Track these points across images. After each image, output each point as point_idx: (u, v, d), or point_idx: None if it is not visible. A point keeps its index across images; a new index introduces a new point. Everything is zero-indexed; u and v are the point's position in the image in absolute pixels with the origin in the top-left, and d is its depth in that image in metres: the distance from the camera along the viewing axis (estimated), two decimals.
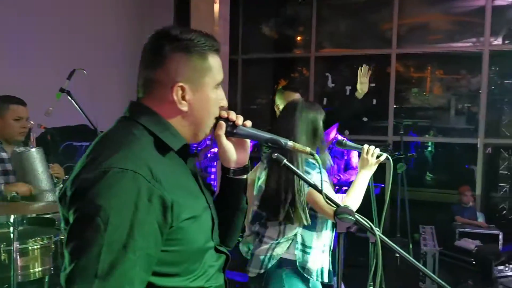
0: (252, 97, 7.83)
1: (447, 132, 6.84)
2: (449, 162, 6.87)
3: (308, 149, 1.47)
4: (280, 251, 2.18)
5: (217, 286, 1.21)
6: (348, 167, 4.42)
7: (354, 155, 4.39)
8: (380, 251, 1.49)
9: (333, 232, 2.32)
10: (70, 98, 2.98)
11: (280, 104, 3.27)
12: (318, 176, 2.09)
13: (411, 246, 4.04)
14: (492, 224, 5.75)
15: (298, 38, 7.63)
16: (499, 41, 6.43)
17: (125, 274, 0.96)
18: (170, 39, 1.13)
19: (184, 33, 1.14)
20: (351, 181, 4.24)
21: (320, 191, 1.42)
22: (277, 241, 2.20)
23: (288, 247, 2.18)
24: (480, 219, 5.81)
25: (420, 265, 1.49)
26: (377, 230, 1.72)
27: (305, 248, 2.18)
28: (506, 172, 6.73)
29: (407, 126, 6.65)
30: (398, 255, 1.51)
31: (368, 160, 2.33)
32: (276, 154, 1.44)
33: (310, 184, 1.48)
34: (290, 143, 1.41)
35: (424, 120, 6.98)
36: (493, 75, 6.53)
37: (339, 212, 1.45)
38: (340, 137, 3.04)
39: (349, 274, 4.62)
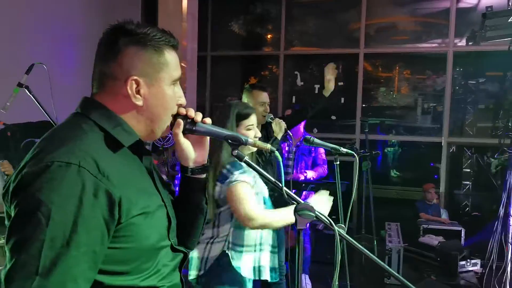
0: (221, 95, 7.79)
1: (414, 131, 6.98)
2: (415, 160, 7.01)
3: (268, 146, 1.47)
4: (217, 251, 2.17)
5: (171, 285, 1.19)
6: (315, 163, 4.46)
7: (322, 151, 4.44)
8: (340, 247, 1.50)
9: (273, 230, 2.30)
10: (29, 94, 2.88)
11: (247, 102, 3.23)
12: (241, 177, 2.13)
13: (375, 243, 4.12)
14: (455, 220, 5.91)
15: (268, 36, 7.64)
16: (463, 42, 6.59)
17: (68, 271, 0.93)
18: (124, 33, 1.11)
19: (139, 27, 1.12)
20: (318, 177, 4.30)
21: (281, 188, 1.42)
22: (212, 241, 2.20)
23: (223, 247, 2.18)
24: (444, 215, 5.96)
25: (378, 259, 1.50)
26: (341, 227, 1.74)
27: (235, 247, 2.18)
28: (469, 170, 6.94)
29: (375, 125, 6.75)
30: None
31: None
32: (236, 151, 1.44)
33: (270, 182, 1.47)
34: (250, 139, 1.42)
35: (391, 119, 7.10)
36: (457, 75, 6.69)
37: (299, 208, 1.45)
38: (308, 135, 3.06)
39: (316, 270, 4.69)
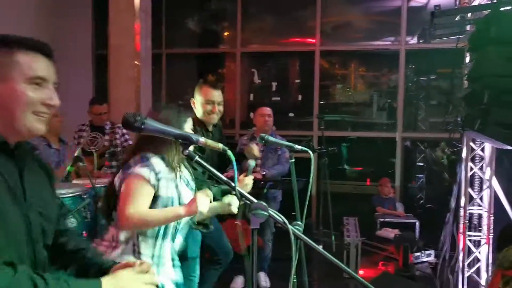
0: (178, 93, 7.70)
1: (370, 127, 7.12)
2: (371, 155, 7.14)
3: (220, 146, 1.47)
4: (115, 255, 1.94)
5: None
6: (279, 160, 4.47)
7: (286, 150, 4.44)
8: (296, 245, 1.50)
9: (173, 242, 2.09)
10: None
11: (195, 99, 3.05)
12: (139, 170, 1.91)
13: (333, 238, 4.18)
14: (410, 213, 6.07)
15: (224, 33, 7.60)
16: (415, 40, 6.76)
17: None
18: None
19: None
20: (277, 175, 4.31)
21: (234, 188, 1.40)
22: (114, 245, 1.99)
23: (122, 253, 1.95)
24: (399, 209, 6.11)
25: (330, 256, 1.51)
26: (297, 224, 1.74)
27: (140, 256, 1.95)
28: (422, 164, 7.14)
29: (332, 122, 6.83)
30: (321, 247, 1.54)
31: (195, 207, 1.95)
32: (187, 151, 1.42)
33: (222, 181, 1.45)
34: (202, 139, 1.42)
35: (348, 115, 7.20)
36: (409, 72, 6.86)
37: (253, 207, 1.43)
38: (262, 134, 3.05)
39: (276, 267, 4.71)
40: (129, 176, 1.93)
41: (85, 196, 3.16)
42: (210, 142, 1.44)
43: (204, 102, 2.99)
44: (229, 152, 1.43)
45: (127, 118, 1.37)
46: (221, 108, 3.06)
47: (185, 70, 7.73)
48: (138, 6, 5.27)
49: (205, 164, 1.41)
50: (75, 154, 3.24)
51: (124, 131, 4.55)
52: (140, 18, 5.35)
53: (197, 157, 1.39)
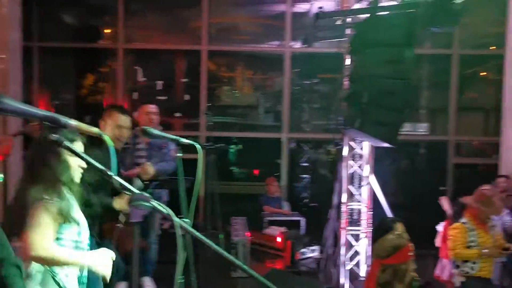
0: (55, 91, 7.09)
1: (256, 129, 7.21)
2: (258, 156, 7.24)
3: (95, 129, 1.31)
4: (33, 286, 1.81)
5: None
6: (164, 158, 4.29)
7: (172, 148, 4.29)
8: (182, 241, 1.38)
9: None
10: None
11: (105, 122, 3.10)
12: (47, 200, 1.80)
13: (221, 237, 4.13)
14: (296, 211, 6.25)
15: (106, 28, 7.17)
16: (299, 44, 7.00)
17: None
18: None
19: None
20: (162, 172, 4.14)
21: (110, 176, 1.24)
22: (26, 274, 1.82)
23: (43, 282, 1.83)
24: (286, 207, 6.26)
25: (223, 251, 1.43)
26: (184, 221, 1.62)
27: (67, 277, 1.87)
28: (307, 164, 7.42)
29: (219, 123, 6.79)
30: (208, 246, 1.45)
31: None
32: (56, 136, 1.23)
33: (98, 169, 1.29)
34: (72, 122, 1.24)
35: (234, 117, 7.24)
36: (294, 76, 7.08)
37: (134, 198, 1.29)
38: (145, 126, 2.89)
39: (162, 271, 4.51)
40: (37, 206, 1.81)
41: None
42: (83, 125, 1.28)
43: (115, 126, 3.09)
44: (106, 137, 1.28)
45: None
46: (128, 133, 3.20)
47: (62, 66, 7.13)
48: None
49: (76, 150, 1.24)
50: None
51: None
52: (8, 8, 4.84)
53: (65, 142, 1.22)
